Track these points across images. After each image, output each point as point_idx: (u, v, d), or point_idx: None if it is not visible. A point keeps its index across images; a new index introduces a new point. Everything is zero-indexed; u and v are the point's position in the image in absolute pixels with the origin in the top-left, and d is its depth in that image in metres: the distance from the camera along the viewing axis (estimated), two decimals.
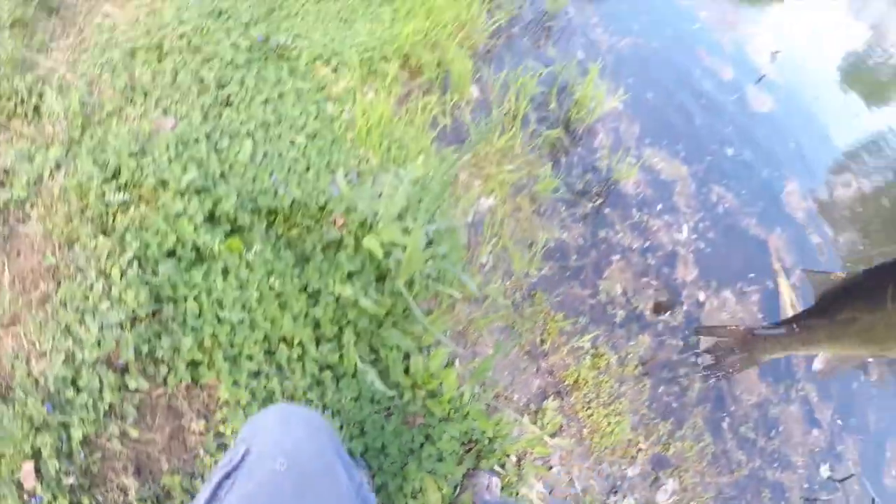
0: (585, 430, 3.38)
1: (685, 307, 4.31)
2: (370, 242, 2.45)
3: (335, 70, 3.46)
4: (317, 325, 2.40)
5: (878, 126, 11.07)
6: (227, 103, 2.87)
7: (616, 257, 4.16)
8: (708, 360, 2.59)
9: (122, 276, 2.11)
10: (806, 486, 4.35)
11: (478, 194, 3.56)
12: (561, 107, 4.62)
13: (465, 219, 3.41)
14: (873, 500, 4.81)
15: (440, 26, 4.12)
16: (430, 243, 2.76)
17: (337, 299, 2.42)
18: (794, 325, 2.17)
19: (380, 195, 2.58)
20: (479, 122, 3.87)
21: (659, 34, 6.46)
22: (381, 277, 2.59)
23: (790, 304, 5.07)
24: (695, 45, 6.77)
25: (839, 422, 4.85)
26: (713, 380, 2.81)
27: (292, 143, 2.88)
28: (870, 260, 6.44)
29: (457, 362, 2.94)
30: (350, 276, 2.50)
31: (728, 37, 7.53)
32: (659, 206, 4.68)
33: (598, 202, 4.32)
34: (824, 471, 4.54)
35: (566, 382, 3.42)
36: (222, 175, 2.51)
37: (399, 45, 3.82)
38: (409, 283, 2.54)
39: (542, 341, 3.48)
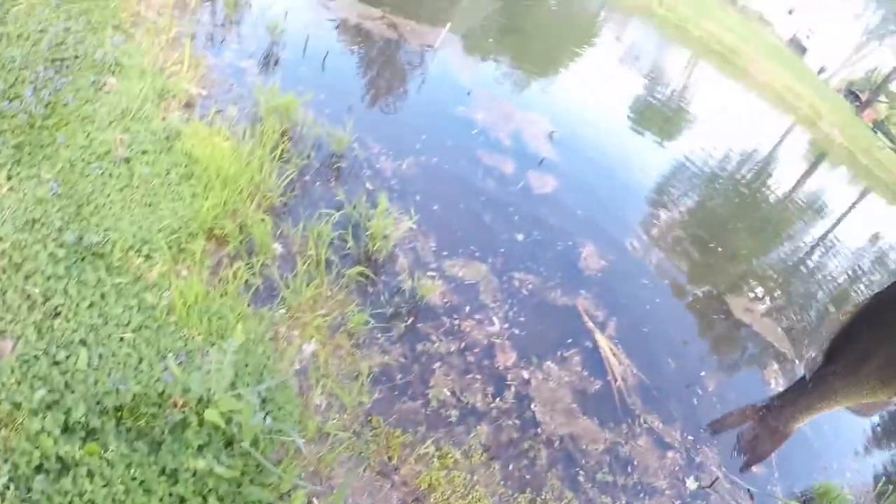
0: None
1: (513, 388, 4.98)
2: (211, 415, 2.90)
3: (147, 257, 3.93)
4: (182, 500, 2.80)
5: (676, 155, 12.94)
6: (56, 314, 3.24)
7: (437, 365, 4.77)
8: (742, 459, 2.32)
9: (2, 499, 2.45)
10: (678, 502, 5.07)
11: (299, 343, 4.09)
12: (358, 243, 5.30)
13: (292, 368, 3.91)
14: (748, 490, 5.67)
15: (237, 193, 4.73)
16: (264, 401, 3.27)
17: (194, 473, 2.84)
18: (808, 381, 2.04)
19: (209, 372, 3.05)
20: (285, 278, 4.42)
21: (440, 147, 7.37)
22: (228, 443, 3.04)
23: (611, 353, 5.95)
24: (475, 149, 7.76)
25: (690, 437, 5.71)
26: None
27: (122, 339, 3.29)
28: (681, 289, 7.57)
29: (315, 500, 3.40)
30: (200, 448, 2.93)
31: (506, 131, 8.66)
32: (467, 308, 5.41)
33: (410, 321, 4.95)
34: (691, 483, 5.36)
35: (422, 488, 3.91)
36: (67, 385, 2.90)
37: (202, 220, 4.38)
38: (255, 442, 3.00)
39: (390, 458, 3.97)
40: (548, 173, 8.21)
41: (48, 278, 3.32)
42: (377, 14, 10.65)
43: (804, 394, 2.05)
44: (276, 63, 7.47)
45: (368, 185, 6.07)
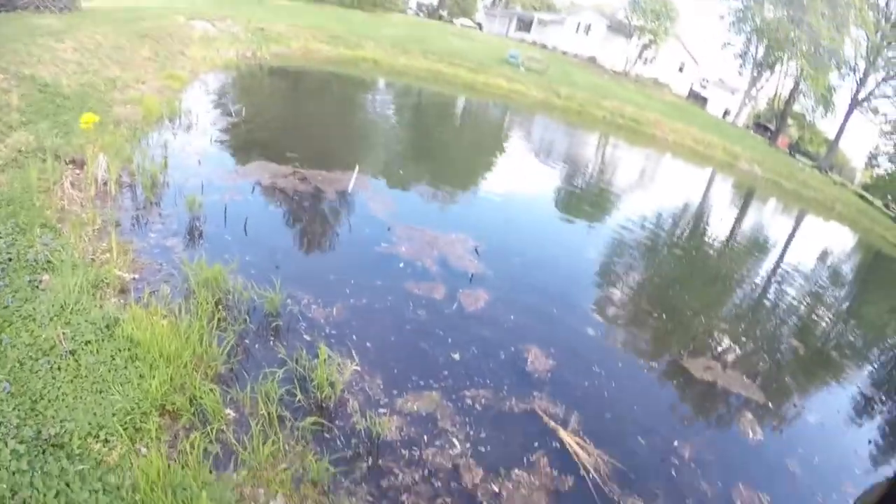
0: None
1: None
2: None
3: (106, 441, 4.02)
4: None
5: (607, 236, 13.53)
6: None
7: (405, 497, 4.84)
8: None
9: None
10: None
11: (265, 500, 4.17)
12: (307, 395, 5.45)
13: None
14: None
15: (182, 367, 4.89)
16: None
17: None
18: None
19: None
20: (242, 441, 4.54)
21: (370, 288, 7.64)
22: None
23: (578, 446, 6.08)
24: (404, 282, 8.05)
25: None
26: None
27: None
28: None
29: None
30: None
31: (431, 257, 9.00)
32: (425, 437, 5.54)
33: (371, 460, 5.05)
34: None
35: None
36: None
37: (153, 399, 4.52)
38: None
39: None
40: (479, 288, 8.55)
41: (13, 473, 3.43)
42: (288, 171, 11.23)
43: None
44: (200, 236, 7.76)
45: (307, 337, 6.26)
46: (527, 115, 33.31)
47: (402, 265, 8.55)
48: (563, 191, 18.43)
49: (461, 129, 23.29)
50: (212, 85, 17.33)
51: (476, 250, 9.91)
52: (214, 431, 4.58)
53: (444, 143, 19.24)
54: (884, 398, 11.81)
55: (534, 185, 17.19)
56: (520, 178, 17.44)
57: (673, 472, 6.39)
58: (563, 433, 6.21)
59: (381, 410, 5.58)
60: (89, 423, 4.05)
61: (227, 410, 4.92)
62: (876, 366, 13.97)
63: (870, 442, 9.34)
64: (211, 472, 4.20)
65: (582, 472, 5.83)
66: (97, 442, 3.99)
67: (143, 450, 4.12)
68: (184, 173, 9.60)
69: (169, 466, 3.96)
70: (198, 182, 9.32)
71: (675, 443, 6.90)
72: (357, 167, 11.98)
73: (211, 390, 4.86)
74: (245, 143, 12.63)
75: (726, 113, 79.27)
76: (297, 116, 16.66)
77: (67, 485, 3.52)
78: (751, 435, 7.81)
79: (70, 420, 4.02)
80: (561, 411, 6.59)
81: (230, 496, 3.99)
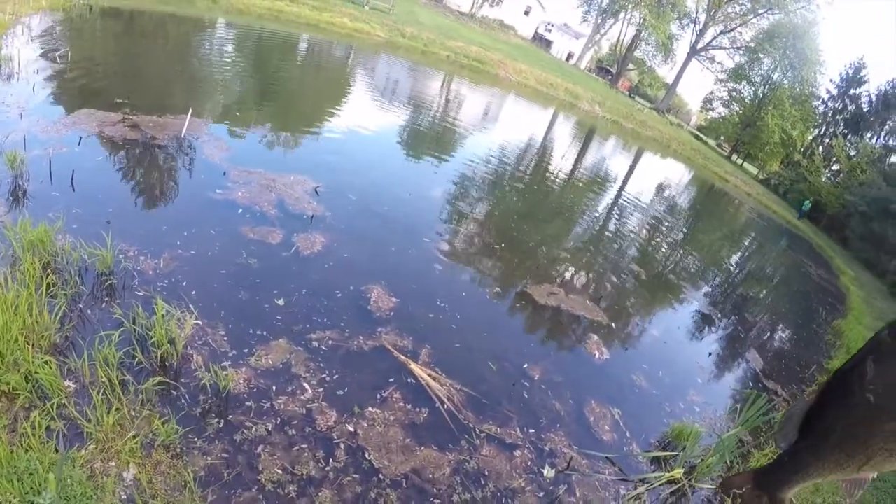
0: None
1: (342, 445, 5.29)
2: None
3: None
4: None
5: (452, 173, 13.88)
6: None
7: (261, 448, 4.98)
8: None
9: None
10: (541, 494, 5.61)
11: (117, 472, 4.19)
12: (148, 355, 5.40)
13: (117, 500, 4.01)
14: (607, 458, 6.32)
15: (12, 343, 4.69)
16: None
17: None
18: (784, 455, 2.07)
19: None
20: (85, 413, 4.48)
21: (205, 238, 7.50)
22: None
23: (430, 378, 6.39)
24: (240, 228, 7.94)
25: (531, 430, 6.28)
26: None
27: None
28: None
29: None
30: None
31: (269, 201, 8.92)
32: (274, 385, 5.67)
33: (221, 415, 5.13)
34: (548, 472, 5.94)
35: None
36: None
37: None
38: None
39: None
40: (318, 230, 8.62)
41: None
42: (117, 118, 10.55)
43: (784, 466, 2.08)
44: (24, 196, 7.24)
45: (142, 294, 6.11)
46: (371, 54, 32.76)
47: (240, 211, 8.41)
48: (408, 130, 18.54)
49: (303, 69, 22.59)
50: (36, 29, 15.76)
51: (316, 191, 9.89)
52: (55, 407, 4.48)
53: (285, 84, 18.64)
54: (719, 315, 13.11)
55: (377, 125, 17.14)
56: (363, 117, 17.29)
57: (525, 395, 6.90)
58: (413, 366, 6.51)
59: (227, 363, 5.63)
60: None
61: (67, 382, 4.80)
62: (711, 286, 15.46)
63: (710, 354, 10.48)
64: (57, 450, 4.14)
65: (437, 403, 6.19)
66: None
67: None
68: (3, 128, 8.82)
69: (12, 452, 3.89)
70: (19, 137, 8.62)
71: (525, 366, 7.41)
72: (190, 110, 11.46)
73: (46, 363, 4.71)
74: (71, 90, 11.65)
75: (570, 56, 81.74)
76: (128, 60, 15.49)
77: None
78: (597, 355, 8.50)
79: None
80: (410, 345, 6.90)
81: (79, 474, 3.98)
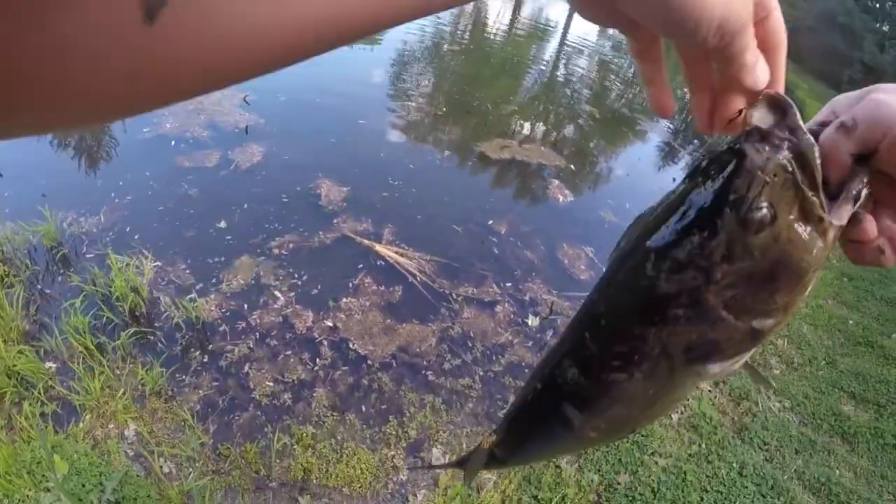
0: None
1: (325, 342, 5.57)
2: None
3: None
4: None
5: (389, 50, 13.44)
6: None
7: (248, 366, 5.26)
8: None
9: None
10: (530, 343, 5.92)
11: (118, 433, 4.49)
12: (114, 310, 5.53)
13: (124, 458, 4.32)
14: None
15: None
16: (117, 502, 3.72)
17: None
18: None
19: None
20: (71, 387, 4.70)
21: (141, 178, 7.34)
22: None
23: (397, 255, 6.59)
24: (174, 160, 7.82)
25: (508, 284, 6.55)
26: None
27: None
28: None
29: None
30: None
31: (200, 124, 8.73)
32: (245, 303, 5.85)
33: (202, 347, 5.37)
34: (532, 321, 6.20)
35: (299, 478, 4.45)
36: None
37: None
38: None
39: (257, 472, 4.48)
40: (255, 140, 8.47)
41: None
42: None
43: None
44: None
45: (93, 255, 6.15)
46: None
47: (172, 143, 8.22)
48: None
49: None
50: None
51: (245, 101, 9.62)
52: (43, 391, 4.70)
53: None
54: (681, 141, 13.05)
55: None
56: None
57: (495, 251, 7.08)
58: (378, 247, 6.64)
59: (194, 295, 5.78)
60: None
61: (47, 364, 4.99)
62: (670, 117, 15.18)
63: (674, 180, 10.46)
64: (57, 432, 4.40)
65: (409, 278, 6.36)
66: None
67: None
68: None
69: (15, 448, 4.14)
70: None
71: (491, 223, 7.53)
72: None
73: (20, 352, 4.86)
74: None
75: None
76: None
77: None
78: (561, 199, 8.63)
79: None
80: (370, 227, 6.99)
81: (83, 446, 4.26)
